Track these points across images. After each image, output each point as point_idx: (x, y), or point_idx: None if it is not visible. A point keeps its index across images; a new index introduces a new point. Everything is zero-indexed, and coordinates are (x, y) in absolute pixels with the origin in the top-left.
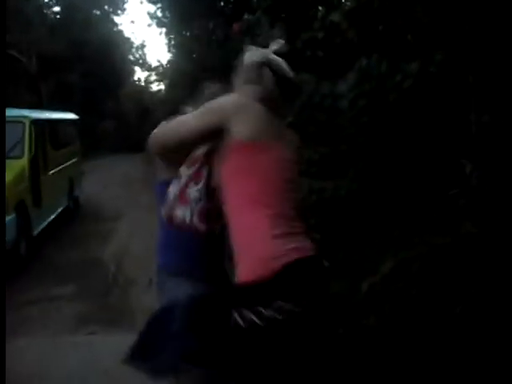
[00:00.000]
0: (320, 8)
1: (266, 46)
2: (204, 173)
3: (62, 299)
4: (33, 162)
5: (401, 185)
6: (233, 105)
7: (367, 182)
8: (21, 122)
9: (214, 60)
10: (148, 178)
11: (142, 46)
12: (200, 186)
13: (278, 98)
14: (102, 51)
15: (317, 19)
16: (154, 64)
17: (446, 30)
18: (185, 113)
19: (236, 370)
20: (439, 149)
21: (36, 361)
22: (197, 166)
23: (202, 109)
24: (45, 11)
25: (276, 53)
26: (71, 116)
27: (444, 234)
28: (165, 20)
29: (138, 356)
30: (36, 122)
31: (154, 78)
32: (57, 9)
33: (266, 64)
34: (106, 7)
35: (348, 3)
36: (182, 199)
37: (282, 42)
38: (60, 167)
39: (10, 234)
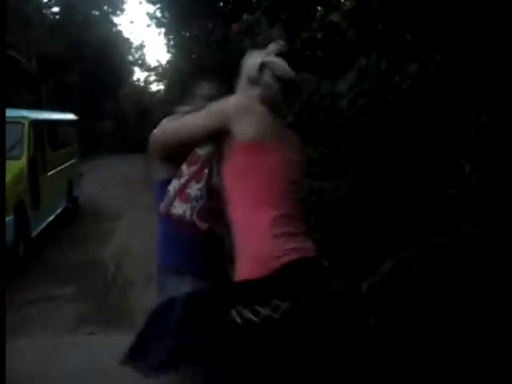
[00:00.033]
0: (319, 8)
1: (265, 46)
2: (205, 172)
3: (62, 299)
4: (31, 162)
5: (400, 185)
6: (235, 106)
7: (367, 181)
8: (20, 122)
9: (213, 60)
10: (147, 178)
11: (141, 47)
12: (201, 184)
13: (280, 99)
14: (101, 52)
15: (316, 19)
16: (154, 64)
17: (446, 30)
18: (180, 112)
19: (233, 367)
20: (438, 149)
21: (36, 361)
22: (198, 164)
23: (204, 111)
24: (44, 12)
25: (276, 54)
26: (70, 116)
27: (443, 234)
28: (164, 20)
29: (137, 355)
30: (35, 123)
31: (153, 78)
32: (56, 9)
33: (267, 66)
34: (105, 8)
35: (347, 3)
36: (183, 196)
37: (281, 42)
38: (59, 168)
39: (9, 235)
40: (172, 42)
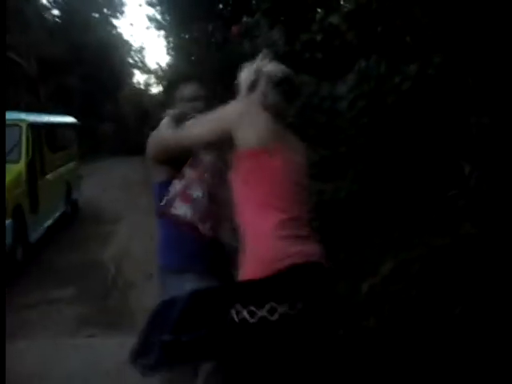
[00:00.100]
0: (319, 10)
1: (266, 47)
2: (206, 175)
3: (62, 302)
4: (30, 166)
5: (400, 186)
6: (237, 114)
7: (367, 183)
8: (18, 125)
9: (213, 62)
10: (147, 180)
11: (141, 49)
12: (202, 187)
13: (280, 102)
14: (101, 54)
15: (315, 21)
16: (153, 67)
17: (445, 32)
18: (168, 115)
19: (228, 365)
20: (438, 150)
21: (37, 363)
22: (200, 168)
23: (204, 119)
24: (44, 14)
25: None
26: (69, 119)
27: (443, 234)
28: (164, 23)
29: (139, 353)
30: (33, 126)
31: (153, 80)
32: (56, 12)
33: (261, 75)
34: (105, 10)
35: (347, 5)
36: (184, 198)
37: (267, 53)
38: (57, 171)
39: (7, 239)
40: (172, 45)
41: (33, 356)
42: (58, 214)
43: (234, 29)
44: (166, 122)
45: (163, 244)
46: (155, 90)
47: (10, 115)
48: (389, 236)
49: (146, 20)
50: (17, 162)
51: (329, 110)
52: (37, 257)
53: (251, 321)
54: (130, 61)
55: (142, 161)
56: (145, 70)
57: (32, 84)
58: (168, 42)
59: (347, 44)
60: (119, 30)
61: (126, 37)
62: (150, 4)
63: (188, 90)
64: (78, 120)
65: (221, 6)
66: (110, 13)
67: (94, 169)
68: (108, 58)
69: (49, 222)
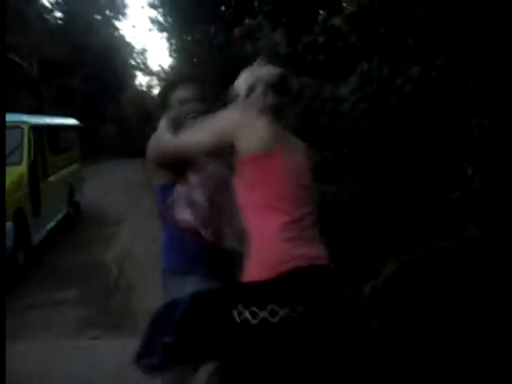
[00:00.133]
0: (321, 12)
1: (268, 49)
2: (209, 181)
3: (64, 304)
4: (32, 168)
5: (403, 188)
6: (236, 120)
7: (369, 185)
8: (19, 127)
9: (215, 64)
10: (149, 182)
11: (144, 51)
12: (204, 193)
13: (279, 103)
14: (103, 56)
15: (318, 23)
16: (156, 69)
17: (447, 34)
18: (164, 118)
19: (229, 366)
20: (441, 152)
21: (37, 363)
22: (202, 174)
23: (204, 125)
24: (46, 16)
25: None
26: (71, 121)
27: (446, 236)
28: (166, 25)
29: (143, 354)
30: (35, 128)
31: (155, 82)
32: (58, 14)
33: (258, 82)
34: (108, 12)
35: (349, 7)
36: (187, 202)
37: (263, 59)
38: (59, 173)
39: (8, 242)
40: (174, 47)
41: (34, 357)
42: (60, 217)
43: (236, 31)
44: (163, 124)
45: (166, 246)
46: (157, 91)
47: (12, 117)
48: (391, 238)
49: (149, 22)
50: (19, 164)
51: (331, 112)
52: (39, 259)
53: (253, 322)
54: (132, 63)
55: (144, 163)
56: (147, 71)
57: (34, 86)
58: (170, 44)
59: (349, 46)
60: (121, 31)
61: (128, 39)
62: (153, 6)
63: (181, 92)
64: (80, 122)
65: (223, 8)
66: (112, 15)
67: (96, 171)
68: (110, 60)
69: (51, 225)
